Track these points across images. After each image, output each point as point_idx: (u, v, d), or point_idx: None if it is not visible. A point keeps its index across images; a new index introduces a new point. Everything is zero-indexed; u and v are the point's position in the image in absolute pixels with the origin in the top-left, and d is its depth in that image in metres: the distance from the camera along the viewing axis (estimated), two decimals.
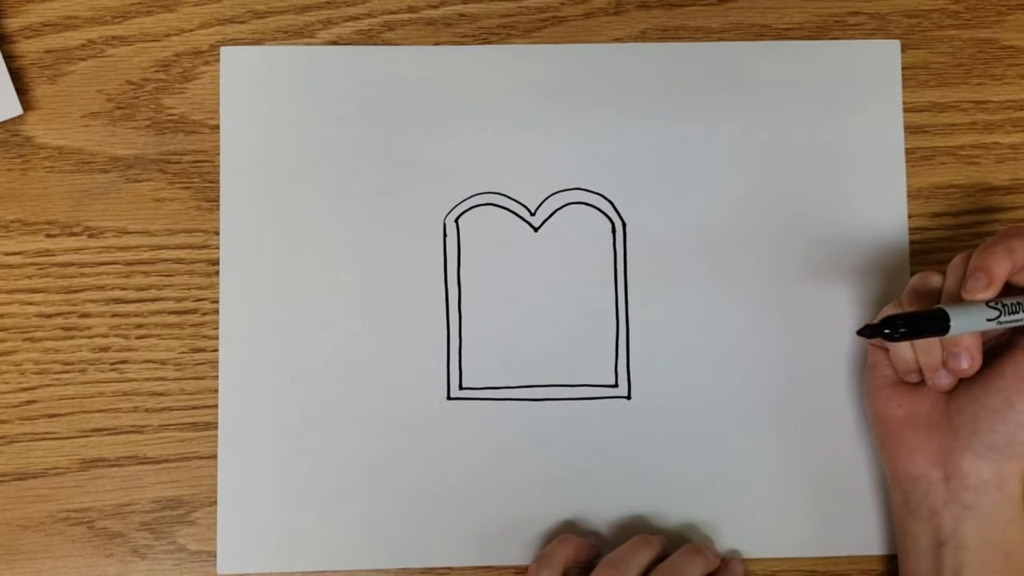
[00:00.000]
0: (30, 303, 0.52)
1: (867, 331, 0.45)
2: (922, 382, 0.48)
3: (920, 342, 0.47)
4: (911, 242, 0.54)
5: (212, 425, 0.52)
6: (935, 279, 0.47)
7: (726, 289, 0.53)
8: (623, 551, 0.48)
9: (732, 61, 0.54)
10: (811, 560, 0.52)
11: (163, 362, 0.52)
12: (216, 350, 0.52)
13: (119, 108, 0.53)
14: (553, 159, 0.54)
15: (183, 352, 0.52)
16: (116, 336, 0.52)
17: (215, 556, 0.51)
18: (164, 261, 0.53)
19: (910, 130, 0.54)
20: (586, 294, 0.53)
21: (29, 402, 0.52)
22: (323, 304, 0.53)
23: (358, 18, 0.54)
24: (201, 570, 0.51)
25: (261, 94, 0.53)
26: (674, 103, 0.54)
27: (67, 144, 0.53)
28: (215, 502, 0.52)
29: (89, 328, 0.52)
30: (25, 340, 0.52)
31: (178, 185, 0.53)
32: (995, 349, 0.47)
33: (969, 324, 0.44)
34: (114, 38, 0.54)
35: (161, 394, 0.52)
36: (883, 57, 0.54)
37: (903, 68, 0.54)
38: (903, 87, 0.54)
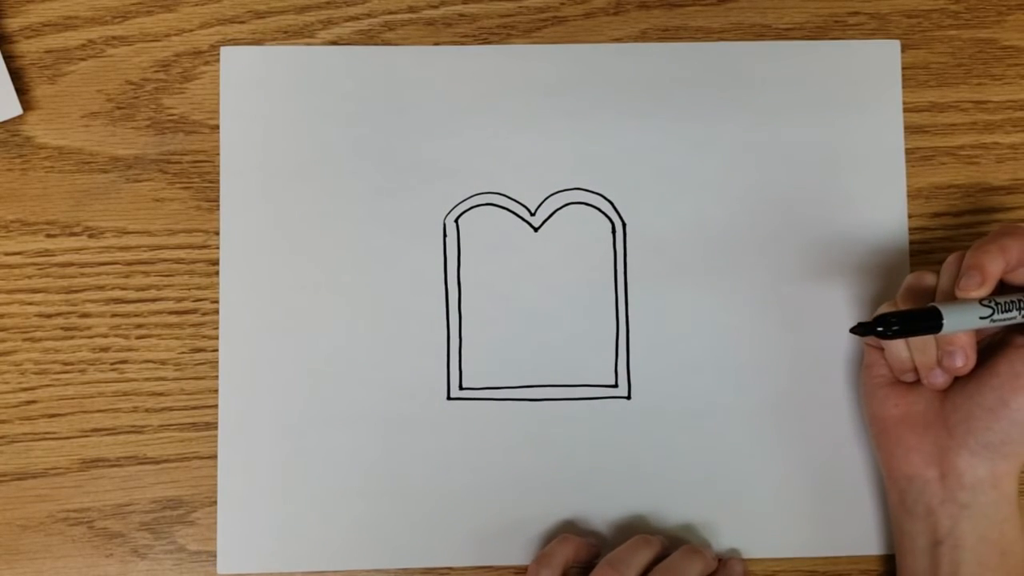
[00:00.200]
0: (30, 303, 0.52)
1: (860, 329, 0.45)
2: (918, 382, 0.48)
3: (915, 341, 0.47)
4: (911, 242, 0.54)
5: (212, 425, 0.52)
6: (929, 278, 0.48)
7: (726, 289, 0.53)
8: (623, 551, 0.48)
9: (732, 61, 0.54)
10: (811, 560, 0.52)
11: (163, 362, 0.52)
12: (216, 350, 0.52)
13: (119, 108, 0.53)
14: (553, 159, 0.54)
15: (183, 352, 0.52)
16: (116, 336, 0.52)
17: (215, 556, 0.51)
18: (164, 261, 0.53)
19: (910, 130, 0.54)
20: (586, 294, 0.53)
21: (29, 402, 0.52)
22: (323, 304, 0.53)
23: (358, 18, 0.54)
24: (201, 570, 0.51)
25: (261, 94, 0.53)
26: (674, 103, 0.54)
27: (67, 144, 0.53)
28: (215, 502, 0.52)
29: (89, 328, 0.52)
30: (25, 340, 0.52)
31: (178, 185, 0.53)
32: (990, 348, 0.47)
33: (962, 322, 0.44)
34: (114, 38, 0.54)
35: (161, 394, 0.52)
36: (883, 57, 0.54)
37: (903, 68, 0.54)
38: (903, 87, 0.54)
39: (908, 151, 0.54)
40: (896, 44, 0.54)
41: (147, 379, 0.52)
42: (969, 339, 0.45)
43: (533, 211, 0.53)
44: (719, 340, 0.53)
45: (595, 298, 0.53)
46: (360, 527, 0.52)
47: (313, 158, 0.53)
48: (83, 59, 0.53)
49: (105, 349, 0.52)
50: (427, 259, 0.53)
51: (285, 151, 0.53)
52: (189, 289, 0.53)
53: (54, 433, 0.52)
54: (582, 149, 0.54)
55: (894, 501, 0.49)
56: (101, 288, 0.53)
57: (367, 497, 0.52)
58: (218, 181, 0.53)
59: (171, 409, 0.52)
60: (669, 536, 0.51)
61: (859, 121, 0.54)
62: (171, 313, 0.53)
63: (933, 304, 0.45)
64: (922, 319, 0.44)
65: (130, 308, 0.53)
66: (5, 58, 0.52)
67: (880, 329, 0.44)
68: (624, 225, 0.53)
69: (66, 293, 0.52)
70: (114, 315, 0.52)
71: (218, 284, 0.53)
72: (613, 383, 0.53)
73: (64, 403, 0.52)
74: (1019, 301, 0.45)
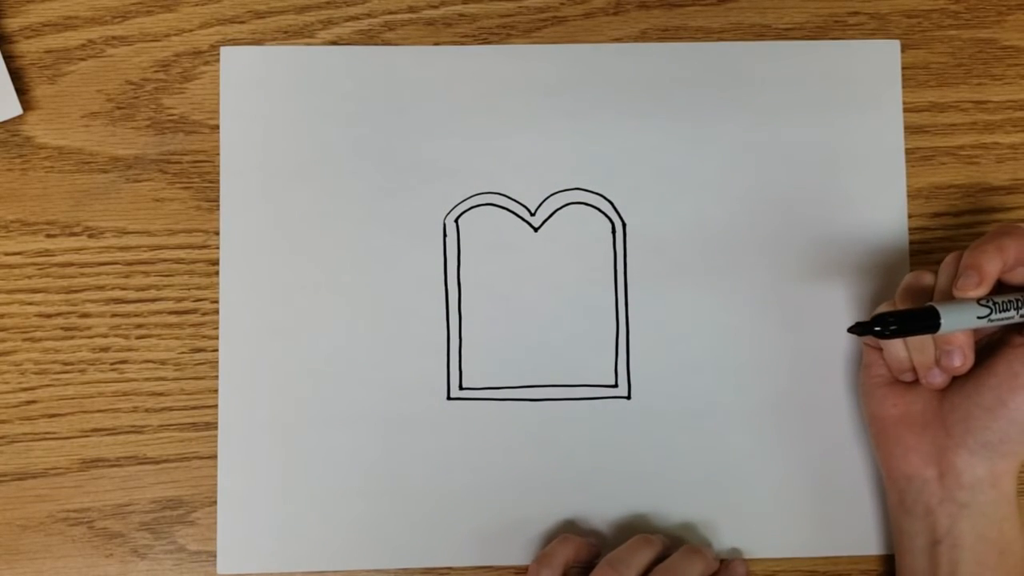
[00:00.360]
0: (30, 303, 0.52)
1: (858, 328, 0.45)
2: (916, 381, 0.49)
3: (913, 341, 0.47)
4: (911, 242, 0.54)
5: (212, 425, 0.52)
6: (927, 278, 0.48)
7: (726, 289, 0.53)
8: (623, 551, 0.48)
9: (732, 61, 0.54)
10: (811, 560, 0.52)
11: (163, 362, 0.52)
12: (216, 350, 0.52)
13: (119, 108, 0.53)
14: (553, 159, 0.54)
15: (183, 352, 0.52)
16: (116, 336, 0.52)
17: (215, 556, 0.51)
18: (164, 261, 0.53)
19: (910, 130, 0.54)
20: (586, 294, 0.53)
21: (29, 402, 0.52)
22: (323, 304, 0.53)
23: (358, 18, 0.54)
24: (201, 570, 0.51)
25: (261, 94, 0.53)
26: (674, 103, 0.54)
27: (67, 144, 0.53)
28: (215, 502, 0.52)
29: (89, 328, 0.52)
30: (25, 340, 0.52)
31: (178, 185, 0.53)
32: (988, 347, 0.47)
33: (960, 322, 0.44)
34: (114, 38, 0.54)
35: (161, 394, 0.52)
36: (883, 57, 0.54)
37: (903, 68, 0.54)
38: (903, 87, 0.54)
39: (908, 151, 0.54)
40: (896, 44, 0.54)
41: (147, 379, 0.52)
42: (967, 339, 0.45)
43: (533, 211, 0.53)
44: (719, 340, 0.53)
45: (595, 298, 0.53)
46: (360, 527, 0.52)
47: (313, 158, 0.53)
48: (83, 59, 0.53)
49: (105, 349, 0.52)
50: (427, 259, 0.53)
51: (285, 151, 0.53)
52: (189, 289, 0.53)
53: (54, 433, 0.52)
54: (582, 149, 0.54)
55: (893, 501, 0.49)
56: (101, 288, 0.53)
57: (367, 497, 0.52)
58: (218, 181, 0.53)
59: (171, 409, 0.52)
60: (670, 536, 0.51)
61: (859, 121, 0.54)
62: (171, 313, 0.53)
63: (931, 304, 0.45)
64: (920, 319, 0.44)
65: (130, 308, 0.53)
66: (5, 58, 0.52)
67: (878, 329, 0.44)
68: (624, 225, 0.53)
69: (66, 293, 0.52)
70: (114, 315, 0.52)
71: (218, 284, 0.53)
72: (613, 383, 0.53)
73: (64, 403, 0.52)
74: (1017, 301, 0.45)
